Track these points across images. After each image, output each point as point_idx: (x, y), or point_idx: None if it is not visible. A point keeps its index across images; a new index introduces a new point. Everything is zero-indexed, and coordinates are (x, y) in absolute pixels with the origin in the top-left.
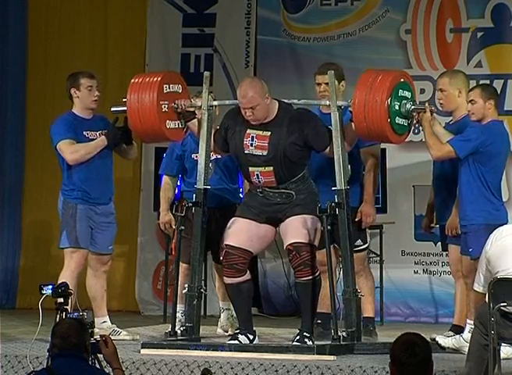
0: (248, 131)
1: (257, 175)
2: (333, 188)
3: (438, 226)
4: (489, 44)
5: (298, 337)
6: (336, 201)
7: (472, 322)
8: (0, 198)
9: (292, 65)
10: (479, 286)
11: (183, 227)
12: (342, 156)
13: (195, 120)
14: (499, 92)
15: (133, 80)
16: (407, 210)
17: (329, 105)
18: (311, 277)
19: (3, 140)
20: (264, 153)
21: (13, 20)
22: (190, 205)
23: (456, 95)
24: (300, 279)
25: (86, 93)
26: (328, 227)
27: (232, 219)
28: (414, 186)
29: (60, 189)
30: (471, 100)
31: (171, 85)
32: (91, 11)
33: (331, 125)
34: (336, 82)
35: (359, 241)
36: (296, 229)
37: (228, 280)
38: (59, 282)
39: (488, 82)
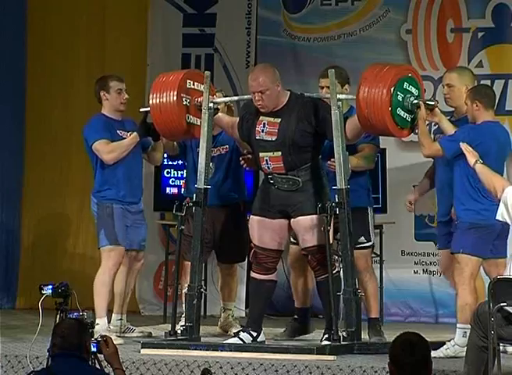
0: (261, 118)
1: (266, 160)
2: (334, 187)
3: (437, 223)
4: (490, 44)
5: (326, 336)
6: (337, 200)
7: (462, 326)
8: None
9: (292, 65)
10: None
11: (183, 227)
12: (342, 156)
13: (218, 115)
14: (499, 92)
15: (156, 80)
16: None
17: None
18: (328, 275)
19: (2, 139)
20: (273, 138)
21: (12, 22)
22: (191, 204)
23: (463, 91)
24: (318, 278)
25: (115, 95)
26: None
27: (250, 217)
28: (414, 186)
29: (91, 192)
30: (465, 102)
31: (195, 82)
32: (91, 11)
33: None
34: (339, 86)
35: (362, 238)
36: (307, 232)
37: (254, 275)
38: (95, 281)
39: (489, 82)
